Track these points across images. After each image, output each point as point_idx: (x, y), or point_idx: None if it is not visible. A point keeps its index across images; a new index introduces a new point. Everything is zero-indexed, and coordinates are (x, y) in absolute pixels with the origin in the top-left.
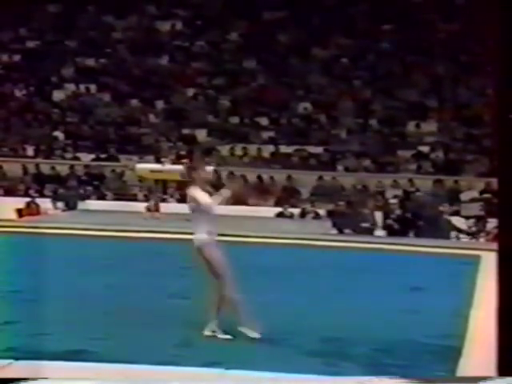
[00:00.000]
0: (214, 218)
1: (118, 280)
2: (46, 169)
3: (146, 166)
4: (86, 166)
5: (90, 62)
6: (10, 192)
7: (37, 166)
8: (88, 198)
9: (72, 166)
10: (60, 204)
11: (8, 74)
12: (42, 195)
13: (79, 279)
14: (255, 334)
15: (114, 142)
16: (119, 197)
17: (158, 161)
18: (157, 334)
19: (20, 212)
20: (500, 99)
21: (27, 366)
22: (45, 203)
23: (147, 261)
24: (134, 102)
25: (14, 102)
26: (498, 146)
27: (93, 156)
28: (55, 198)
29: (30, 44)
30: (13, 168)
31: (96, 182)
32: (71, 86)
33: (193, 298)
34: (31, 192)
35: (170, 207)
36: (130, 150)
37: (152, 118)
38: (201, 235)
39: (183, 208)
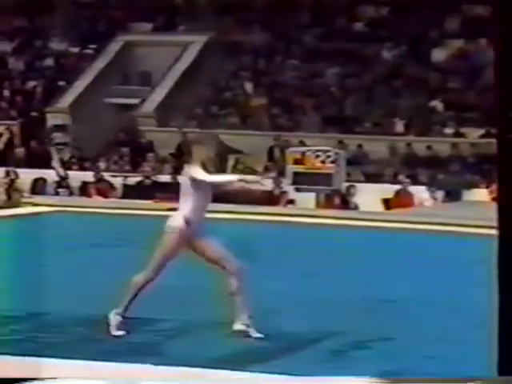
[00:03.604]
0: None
1: None
2: (419, 148)
3: None
4: (474, 145)
5: (480, 10)
6: (374, 178)
7: (407, 144)
8: (476, 186)
9: (455, 145)
10: (439, 193)
11: (374, 32)
12: (416, 182)
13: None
14: None
15: None
16: None
17: None
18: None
19: (388, 203)
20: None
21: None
22: (419, 192)
23: None
24: None
25: (380, 66)
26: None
27: (482, 131)
28: (433, 185)
29: None
30: (378, 148)
31: (486, 166)
32: (456, 43)
33: None
34: (401, 178)
35: None
36: None
37: None
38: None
39: None
